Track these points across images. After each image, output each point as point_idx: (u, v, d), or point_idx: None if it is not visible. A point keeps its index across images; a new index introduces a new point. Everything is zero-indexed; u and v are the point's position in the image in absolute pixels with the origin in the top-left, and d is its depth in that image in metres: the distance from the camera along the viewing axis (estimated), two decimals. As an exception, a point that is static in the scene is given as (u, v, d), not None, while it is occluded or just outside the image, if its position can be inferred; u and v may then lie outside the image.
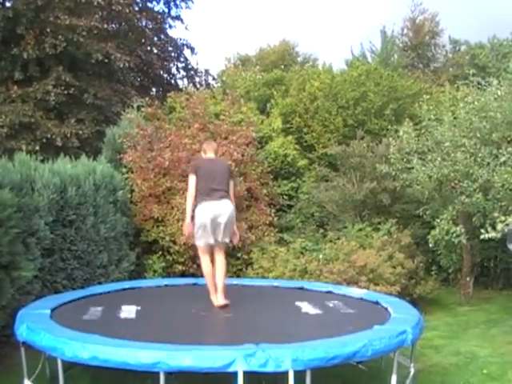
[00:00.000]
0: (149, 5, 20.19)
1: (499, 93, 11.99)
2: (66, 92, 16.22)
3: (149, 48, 20.25)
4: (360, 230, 13.92)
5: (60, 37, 15.96)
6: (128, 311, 8.28)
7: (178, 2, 20.59)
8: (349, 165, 15.25)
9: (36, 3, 16.04)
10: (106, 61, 17.00)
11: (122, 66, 17.11)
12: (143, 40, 19.73)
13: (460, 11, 40.28)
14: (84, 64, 17.44)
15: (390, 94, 18.25)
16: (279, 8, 56.15)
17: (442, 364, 9.04)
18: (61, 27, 15.99)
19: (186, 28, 20.89)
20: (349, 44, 45.46)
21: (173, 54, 21.00)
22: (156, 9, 20.44)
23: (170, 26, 20.65)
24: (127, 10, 18.00)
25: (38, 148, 15.24)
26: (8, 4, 16.59)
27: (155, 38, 20.52)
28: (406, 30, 31.68)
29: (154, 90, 21.21)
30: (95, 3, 16.48)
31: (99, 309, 8.34)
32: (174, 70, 21.43)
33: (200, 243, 9.05)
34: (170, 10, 20.61)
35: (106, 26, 17.40)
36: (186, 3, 20.68)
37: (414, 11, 31.47)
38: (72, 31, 16.10)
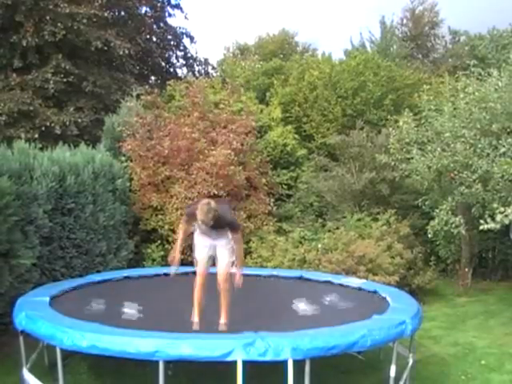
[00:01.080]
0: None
1: (499, 84, 11.97)
2: (65, 80, 16.14)
3: (148, 36, 20.15)
4: (359, 219, 13.93)
5: (59, 25, 15.85)
6: (127, 300, 8.27)
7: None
8: (348, 155, 15.25)
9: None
10: (106, 48, 16.89)
11: (121, 53, 17.03)
12: (142, 28, 19.62)
13: (459, 1, 40.10)
14: (83, 52, 17.33)
15: (388, 84, 18.25)
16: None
17: (440, 355, 9.08)
18: (60, 15, 15.89)
19: (186, 17, 20.79)
20: (348, 34, 45.20)
21: (172, 43, 20.92)
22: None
23: (170, 15, 20.54)
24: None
25: (36, 136, 15.17)
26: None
27: (154, 27, 20.43)
28: (405, 21, 31.55)
29: (152, 78, 21.13)
30: None
31: (98, 298, 8.33)
32: (173, 58, 21.37)
33: None
34: (169, -1, 20.53)
35: (105, 14, 17.27)
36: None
37: (413, 1, 31.37)
38: (71, 19, 16.01)
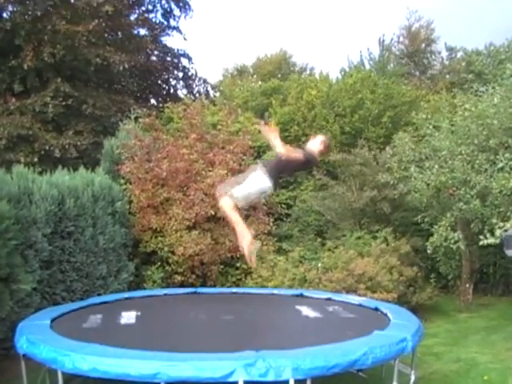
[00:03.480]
0: (146, 15, 20.22)
1: (495, 99, 12.01)
2: (64, 103, 16.22)
3: (146, 57, 20.28)
4: (358, 238, 13.92)
5: (58, 46, 15.98)
6: (127, 319, 8.28)
7: (175, 13, 20.64)
8: (349, 173, 15.25)
9: (34, 14, 16.12)
10: (105, 64, 16.93)
11: (121, 68, 17.10)
12: (141, 50, 19.73)
13: (455, 17, 40.37)
14: (82, 74, 17.46)
15: (386, 101, 18.29)
16: (276, 18, 56.22)
17: (442, 371, 9.03)
18: (59, 35, 15.99)
19: (185, 38, 20.95)
20: (345, 53, 45.55)
21: (171, 64, 21.02)
22: (154, 20, 20.52)
23: (168, 35, 20.74)
24: (125, 17, 18.07)
25: (36, 160, 15.25)
26: (5, 15, 16.64)
27: (153, 48, 20.54)
28: (401, 38, 31.78)
29: (152, 100, 21.21)
30: (94, 5, 16.38)
31: (99, 319, 8.34)
32: (172, 79, 21.46)
33: None
34: (168, 22, 20.67)
35: (105, 29, 17.39)
36: (186, 12, 20.68)
37: (409, 19, 31.57)
38: (70, 38, 16.11)
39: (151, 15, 20.50)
